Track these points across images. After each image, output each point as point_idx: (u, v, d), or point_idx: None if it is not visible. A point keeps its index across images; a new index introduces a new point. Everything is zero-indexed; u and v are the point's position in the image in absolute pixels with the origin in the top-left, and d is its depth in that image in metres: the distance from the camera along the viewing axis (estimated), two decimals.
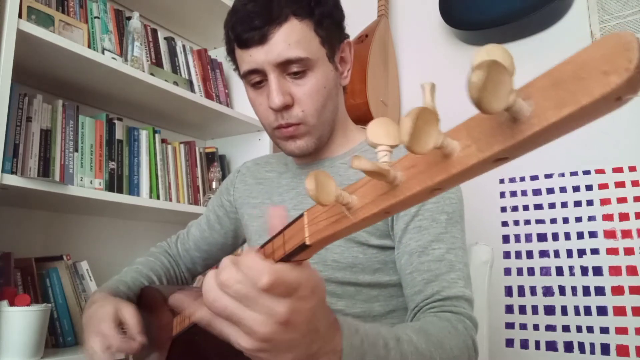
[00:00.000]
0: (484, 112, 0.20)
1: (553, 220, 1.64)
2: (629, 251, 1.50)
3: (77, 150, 1.35)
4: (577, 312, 1.55)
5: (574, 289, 1.57)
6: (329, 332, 0.45)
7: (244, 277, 0.38)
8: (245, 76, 0.85)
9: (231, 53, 0.88)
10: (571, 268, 1.58)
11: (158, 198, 1.55)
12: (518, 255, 1.68)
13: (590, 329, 1.52)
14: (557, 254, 1.61)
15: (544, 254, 1.64)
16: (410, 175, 0.26)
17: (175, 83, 1.62)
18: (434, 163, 0.24)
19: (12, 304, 1.06)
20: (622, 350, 1.45)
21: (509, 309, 1.66)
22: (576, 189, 1.62)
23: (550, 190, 1.66)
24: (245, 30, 0.80)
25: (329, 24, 0.84)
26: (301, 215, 0.36)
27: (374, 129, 0.26)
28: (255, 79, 0.83)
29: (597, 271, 1.54)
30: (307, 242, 0.34)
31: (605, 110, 0.22)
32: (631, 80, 0.20)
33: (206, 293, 0.41)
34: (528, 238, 1.67)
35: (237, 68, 0.89)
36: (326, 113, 0.85)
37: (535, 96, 0.22)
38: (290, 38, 0.79)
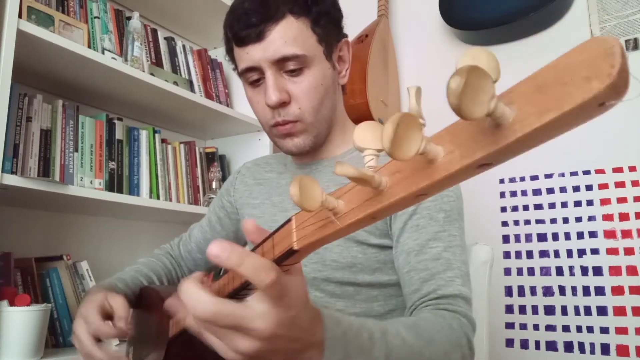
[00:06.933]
0: (465, 119, 0.20)
1: (553, 220, 1.63)
2: (629, 251, 1.50)
3: (77, 150, 1.35)
4: (577, 312, 1.54)
5: (574, 289, 1.56)
6: (311, 327, 0.45)
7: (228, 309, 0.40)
8: (242, 74, 0.85)
9: (230, 52, 0.89)
10: (571, 268, 1.58)
11: (158, 198, 1.55)
12: (518, 255, 1.68)
13: (590, 329, 1.51)
14: (557, 254, 1.61)
15: (544, 254, 1.63)
16: (395, 180, 0.25)
17: (175, 83, 1.62)
18: (418, 169, 0.24)
19: (12, 304, 1.06)
20: (622, 350, 1.45)
21: (509, 309, 1.66)
22: (576, 189, 1.61)
23: (550, 190, 1.66)
24: (242, 27, 0.81)
25: (326, 22, 0.84)
26: (289, 220, 0.36)
27: (360, 132, 0.26)
28: (253, 76, 0.84)
29: (597, 271, 1.53)
30: (295, 247, 0.34)
31: (589, 116, 0.21)
32: (613, 86, 0.19)
33: (199, 315, 0.41)
34: (528, 238, 1.67)
35: (236, 67, 0.89)
36: (323, 111, 0.85)
37: (518, 101, 0.21)
38: (287, 35, 0.79)
